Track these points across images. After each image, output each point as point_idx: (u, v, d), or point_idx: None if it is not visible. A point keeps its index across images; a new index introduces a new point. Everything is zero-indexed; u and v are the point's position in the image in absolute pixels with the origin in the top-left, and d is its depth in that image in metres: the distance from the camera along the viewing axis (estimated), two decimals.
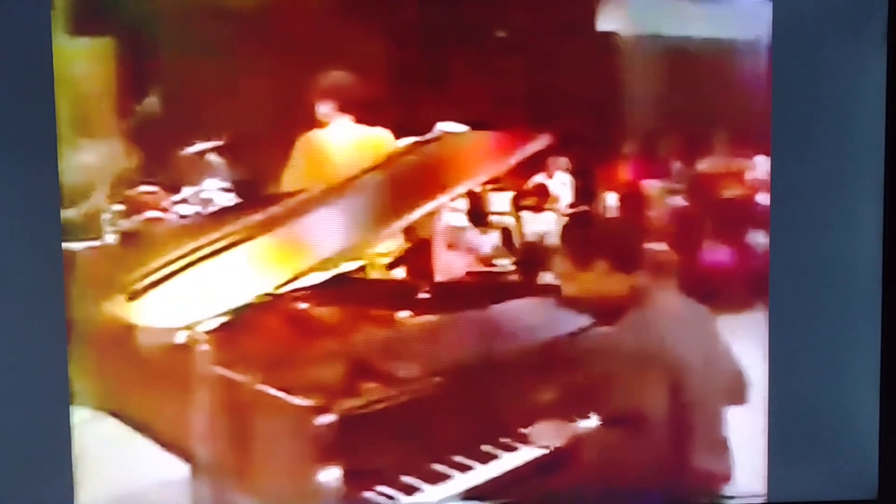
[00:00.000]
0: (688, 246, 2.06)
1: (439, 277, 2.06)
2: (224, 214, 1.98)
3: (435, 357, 2.00)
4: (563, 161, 2.06)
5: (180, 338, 1.95)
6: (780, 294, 2.06)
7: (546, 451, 2.03)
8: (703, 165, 2.06)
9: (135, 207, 1.96)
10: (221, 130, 1.97)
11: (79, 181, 1.94)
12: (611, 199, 2.05)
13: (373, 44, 1.99)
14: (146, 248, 1.97)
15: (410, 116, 2.01)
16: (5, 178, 1.92)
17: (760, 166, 2.05)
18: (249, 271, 1.98)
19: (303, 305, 2.01)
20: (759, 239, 2.06)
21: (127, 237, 1.96)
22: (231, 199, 1.99)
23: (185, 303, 1.96)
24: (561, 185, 2.07)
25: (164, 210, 1.97)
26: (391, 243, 2.06)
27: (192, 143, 1.96)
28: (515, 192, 2.09)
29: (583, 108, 2.03)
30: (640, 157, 2.05)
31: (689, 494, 2.08)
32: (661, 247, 2.06)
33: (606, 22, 2.03)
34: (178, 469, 1.98)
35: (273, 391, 1.92)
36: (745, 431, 2.07)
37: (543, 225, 2.07)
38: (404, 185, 2.05)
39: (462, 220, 2.08)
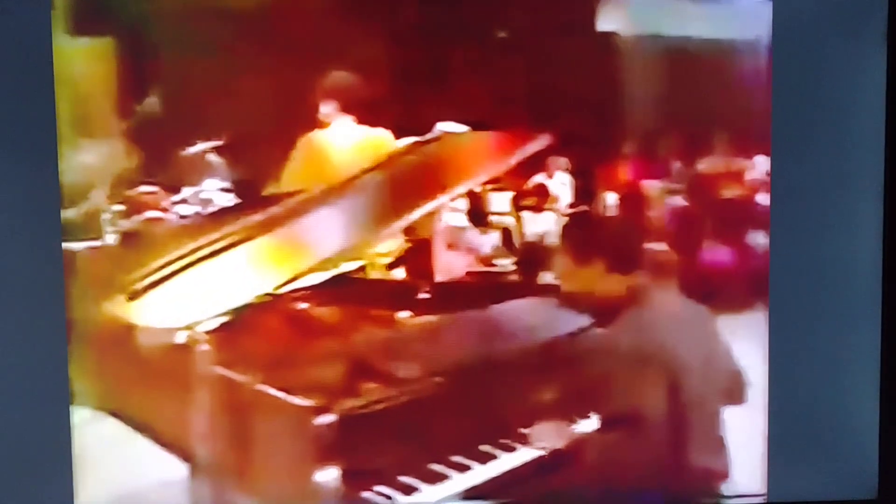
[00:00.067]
0: (688, 246, 2.06)
1: (439, 277, 2.06)
2: (224, 214, 1.98)
3: (435, 357, 2.00)
4: (563, 161, 2.06)
5: (180, 338, 1.95)
6: (780, 294, 2.06)
7: (545, 452, 2.03)
8: (703, 165, 2.06)
9: (135, 207, 1.96)
10: (221, 130, 1.97)
11: (79, 181, 1.94)
12: (611, 199, 2.05)
13: (373, 44, 1.99)
14: (146, 248, 1.97)
15: (410, 116, 2.01)
16: (5, 178, 1.92)
17: (760, 166, 2.05)
18: (249, 271, 1.99)
19: (303, 305, 2.01)
20: (759, 239, 2.06)
21: (127, 237, 1.96)
22: (231, 200, 1.99)
23: (185, 303, 1.96)
24: (561, 185, 2.07)
25: (164, 210, 1.97)
26: (391, 243, 2.06)
27: (192, 143, 1.96)
28: (515, 192, 2.09)
29: (583, 108, 2.03)
30: (640, 157, 2.05)
31: (689, 494, 2.08)
32: (661, 247, 2.06)
33: (606, 22, 2.03)
34: (178, 469, 1.98)
35: (273, 391, 1.92)
36: (745, 431, 2.07)
37: (543, 225, 2.07)
38: (404, 185, 2.05)
39: (462, 220, 2.08)
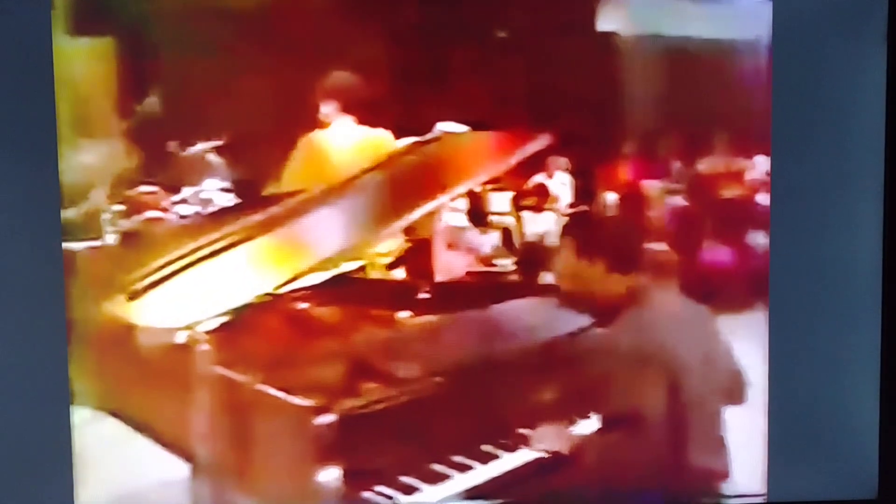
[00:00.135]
0: (688, 246, 2.06)
1: (439, 277, 2.06)
2: (224, 214, 1.98)
3: (435, 357, 2.00)
4: (563, 161, 2.06)
5: (180, 338, 1.95)
6: (780, 294, 2.06)
7: (546, 454, 2.03)
8: (703, 165, 2.06)
9: (135, 207, 1.96)
10: (221, 130, 1.97)
11: (79, 181, 1.94)
12: (611, 199, 2.05)
13: (373, 44, 1.99)
14: (146, 248, 1.97)
15: (410, 116, 2.01)
16: (5, 178, 1.92)
17: (760, 166, 2.05)
18: (249, 271, 1.98)
19: (303, 305, 2.01)
20: (759, 239, 2.06)
21: (127, 237, 1.96)
22: (231, 200, 1.99)
23: (185, 303, 1.96)
24: (561, 185, 2.07)
25: (164, 210, 1.97)
26: (391, 243, 2.06)
27: (192, 143, 1.96)
28: (515, 192, 2.09)
29: (583, 108, 2.03)
30: (640, 157, 2.05)
31: (689, 494, 2.08)
32: (661, 247, 2.06)
33: (606, 22, 2.03)
34: (178, 469, 1.98)
35: (273, 391, 1.92)
36: (745, 431, 2.07)
37: (543, 225, 2.07)
38: (404, 185, 2.05)
39: (462, 220, 2.08)
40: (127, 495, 1.98)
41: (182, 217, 1.98)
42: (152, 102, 1.95)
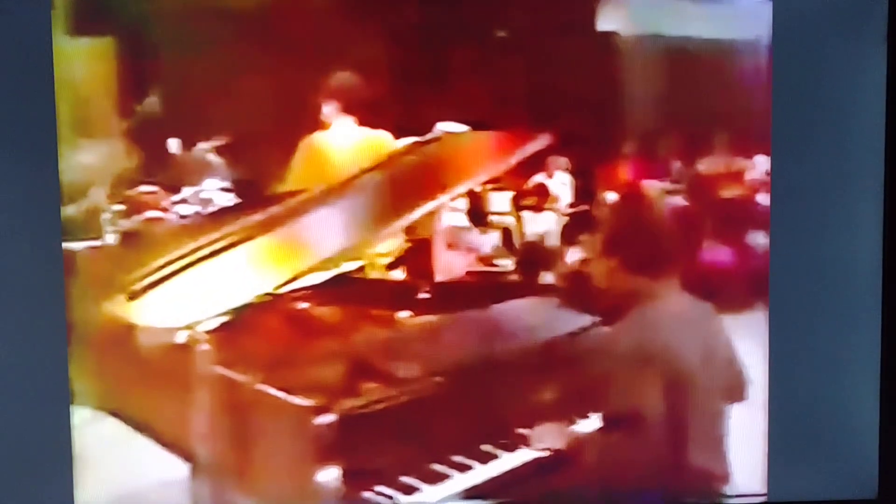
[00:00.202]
0: (688, 246, 2.06)
1: (439, 277, 2.06)
2: (224, 214, 1.98)
3: (435, 357, 2.00)
4: (563, 161, 2.06)
5: (180, 338, 1.95)
6: (780, 294, 2.06)
7: (547, 453, 2.03)
8: (703, 165, 2.06)
9: (135, 207, 1.96)
10: (221, 130, 1.97)
11: (79, 181, 1.94)
12: (611, 199, 2.05)
13: (373, 44, 1.99)
14: (146, 247, 1.97)
15: (410, 116, 2.01)
16: (5, 178, 1.92)
17: (760, 166, 2.05)
18: (249, 271, 1.98)
19: (303, 305, 2.01)
20: (759, 239, 2.06)
21: (127, 237, 1.96)
22: (231, 199, 1.99)
23: (185, 303, 1.96)
24: (561, 184, 2.07)
25: (164, 210, 1.97)
26: (391, 243, 2.06)
27: (192, 143, 1.96)
28: (515, 192, 2.09)
29: (583, 108, 2.03)
30: (640, 157, 2.04)
31: (689, 494, 2.08)
32: (660, 247, 2.06)
33: (606, 22, 2.03)
34: (178, 469, 1.98)
35: (273, 391, 1.92)
36: (745, 431, 2.07)
37: (543, 225, 2.07)
38: (404, 185, 2.05)
39: (462, 219, 2.08)
40: (127, 495, 1.98)
41: (182, 217, 1.98)
42: (152, 102, 1.95)
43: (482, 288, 2.08)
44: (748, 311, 2.07)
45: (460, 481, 1.96)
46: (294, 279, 1.99)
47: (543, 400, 2.04)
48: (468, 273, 2.08)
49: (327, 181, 2.02)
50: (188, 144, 1.96)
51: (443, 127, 2.02)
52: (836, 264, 2.06)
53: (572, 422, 2.05)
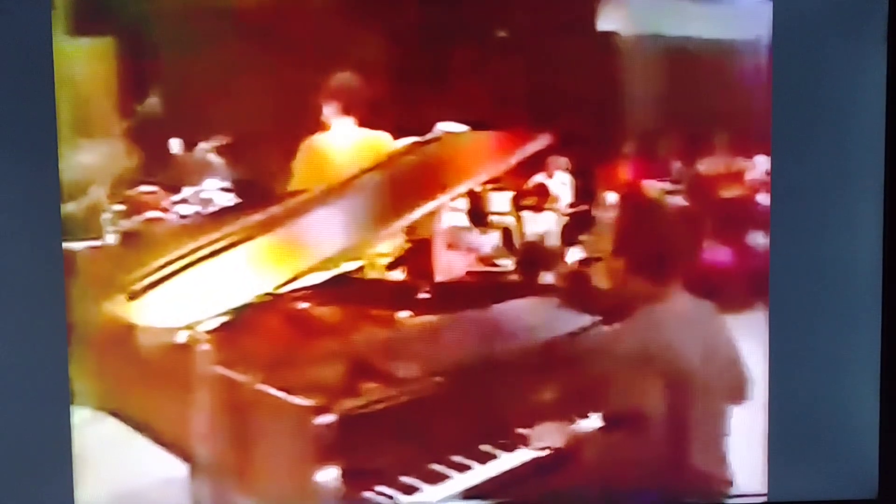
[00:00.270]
0: (687, 246, 2.06)
1: (439, 277, 2.06)
2: (224, 214, 1.98)
3: (435, 357, 2.00)
4: (563, 161, 2.06)
5: (181, 338, 1.95)
6: (781, 294, 2.06)
7: (546, 452, 2.03)
8: (703, 165, 2.06)
9: (135, 207, 1.96)
10: (221, 130, 1.97)
11: (79, 181, 1.94)
12: (611, 199, 2.05)
13: (373, 44, 1.99)
14: (146, 247, 1.97)
15: (410, 116, 2.01)
16: (6, 178, 1.92)
17: (760, 166, 2.05)
18: (250, 271, 1.98)
19: (303, 305, 2.01)
20: (759, 239, 2.06)
21: (127, 237, 1.96)
22: (231, 199, 1.99)
23: (185, 303, 1.96)
24: (561, 184, 2.07)
25: (165, 210, 1.97)
26: (391, 243, 2.06)
27: (192, 143, 1.96)
28: (515, 192, 2.09)
29: (583, 108, 2.03)
30: (640, 157, 2.04)
31: (690, 494, 2.08)
32: (660, 247, 2.06)
33: (606, 22, 2.03)
34: (178, 469, 1.98)
35: (273, 391, 1.92)
36: (746, 431, 2.07)
37: (544, 225, 2.07)
38: (405, 185, 2.05)
39: (462, 219, 2.08)
40: (127, 495, 1.98)
41: (182, 217, 1.98)
42: (152, 102, 1.95)
43: (482, 288, 2.08)
44: (748, 311, 2.07)
45: (460, 481, 1.96)
46: (294, 279, 1.99)
47: (543, 400, 2.04)
48: (468, 273, 2.08)
49: (327, 181, 2.02)
50: (188, 144, 1.96)
51: (443, 127, 2.02)
52: (836, 264, 2.06)
53: (572, 422, 2.05)
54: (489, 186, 2.09)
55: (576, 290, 2.06)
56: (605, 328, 2.05)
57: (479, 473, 1.97)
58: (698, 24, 2.04)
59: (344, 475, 1.93)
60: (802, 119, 2.03)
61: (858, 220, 2.06)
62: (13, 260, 1.93)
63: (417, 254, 2.06)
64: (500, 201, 2.09)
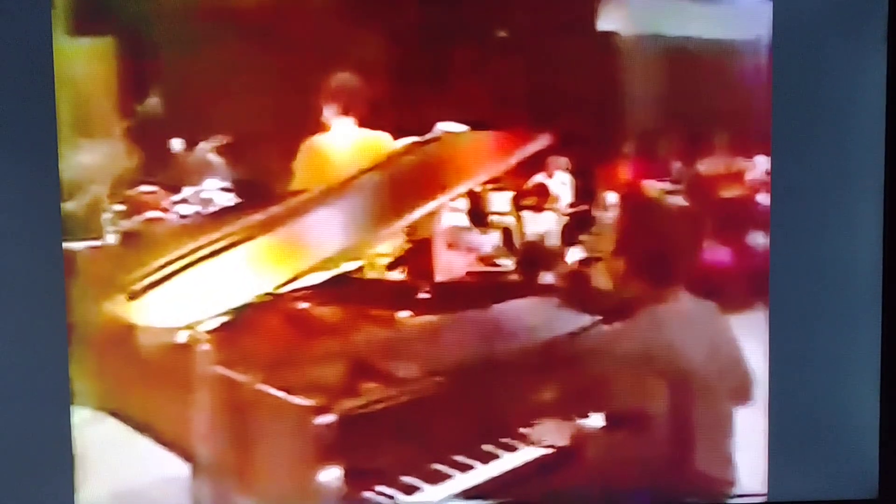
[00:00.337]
0: (687, 246, 2.06)
1: (440, 277, 2.06)
2: (224, 214, 1.98)
3: (435, 357, 2.00)
4: (563, 161, 2.06)
5: (181, 337, 1.95)
6: (781, 294, 2.06)
7: (548, 451, 2.03)
8: (703, 165, 2.06)
9: (135, 207, 1.96)
10: (221, 130, 1.97)
11: (79, 181, 1.94)
12: (611, 199, 2.05)
13: (373, 44, 1.99)
14: (146, 247, 1.97)
15: (410, 116, 2.01)
16: (6, 178, 1.92)
17: (760, 166, 2.05)
18: (250, 271, 1.98)
19: (303, 305, 2.01)
20: (759, 239, 2.06)
21: (127, 237, 1.96)
22: (231, 199, 1.99)
23: (185, 302, 1.96)
24: (561, 184, 2.07)
25: (165, 210, 1.97)
26: (391, 243, 2.06)
27: (192, 143, 1.96)
28: (515, 192, 2.09)
29: (583, 108, 2.03)
30: (640, 157, 2.05)
31: (690, 494, 2.08)
32: (660, 247, 2.06)
33: (606, 22, 2.03)
34: (178, 469, 1.98)
35: (273, 391, 1.92)
36: (746, 431, 2.07)
37: (544, 225, 2.07)
38: (405, 185, 2.05)
39: (462, 219, 2.08)
40: (127, 495, 1.98)
41: (182, 217, 1.98)
42: (152, 102, 1.95)
43: (482, 288, 2.08)
44: (748, 312, 2.07)
45: (461, 481, 1.96)
46: (294, 279, 1.99)
47: (543, 400, 2.04)
48: (468, 273, 2.08)
49: (327, 181, 2.02)
50: (188, 144, 1.96)
51: (443, 127, 2.02)
52: (836, 264, 2.07)
53: (572, 422, 2.05)
54: (489, 186, 2.09)
55: (576, 290, 2.06)
56: (606, 328, 2.05)
57: (481, 473, 1.97)
58: (698, 24, 2.04)
59: (344, 475, 1.93)
60: (802, 119, 2.03)
61: (858, 220, 2.06)
62: (13, 260, 1.93)
63: (417, 254, 2.06)
64: (500, 201, 2.09)
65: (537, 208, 2.08)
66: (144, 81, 1.95)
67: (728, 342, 2.05)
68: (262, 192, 2.00)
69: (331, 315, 2.02)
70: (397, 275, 2.06)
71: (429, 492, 1.95)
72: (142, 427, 1.97)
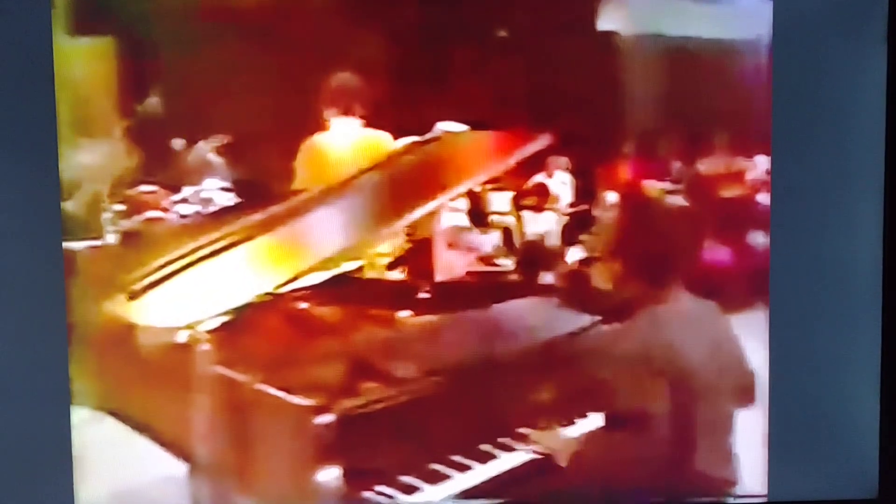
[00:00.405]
0: (687, 246, 2.06)
1: (440, 277, 2.06)
2: (224, 214, 1.99)
3: (435, 357, 2.00)
4: (563, 161, 2.06)
5: (181, 337, 1.95)
6: (781, 294, 2.06)
7: (548, 456, 2.03)
8: (704, 165, 2.06)
9: (135, 207, 1.96)
10: (221, 130, 1.97)
11: (79, 181, 1.94)
12: (611, 199, 2.05)
13: (373, 44, 1.99)
14: (146, 247, 1.97)
15: (410, 116, 2.01)
16: (6, 178, 1.92)
17: (760, 166, 2.05)
18: (250, 271, 1.98)
19: (303, 305, 2.01)
20: (759, 239, 2.06)
21: (127, 237, 1.96)
22: (231, 199, 1.99)
23: (185, 302, 1.96)
24: (561, 184, 2.07)
25: (165, 210, 1.97)
26: (391, 243, 2.06)
27: (192, 143, 1.96)
28: (515, 192, 2.09)
29: (583, 108, 2.03)
30: (640, 157, 2.05)
31: (690, 494, 2.08)
32: (660, 247, 2.06)
33: (606, 22, 2.03)
34: (178, 469, 1.98)
35: (273, 391, 1.92)
36: (746, 431, 2.07)
37: (544, 224, 2.07)
38: (405, 185, 2.06)
39: (462, 219, 2.08)
40: (127, 495, 1.98)
41: (182, 216, 1.98)
42: (152, 102, 1.95)
43: (482, 288, 2.08)
44: (748, 311, 2.07)
45: (460, 481, 1.96)
46: (294, 279, 1.99)
47: (543, 400, 2.04)
48: (468, 273, 2.08)
49: (327, 181, 2.02)
50: (188, 144, 1.96)
51: (443, 127, 2.02)
52: (836, 264, 2.06)
53: (572, 422, 2.05)
54: (489, 186, 2.09)
55: (576, 290, 2.06)
56: (605, 328, 2.05)
57: (480, 473, 1.97)
58: (698, 24, 2.04)
59: (344, 475, 1.93)
60: (802, 119, 2.03)
61: (858, 220, 2.06)
62: (13, 260, 1.93)
63: (417, 254, 2.06)
64: (500, 201, 2.09)
65: (537, 208, 2.08)
66: (144, 81, 1.95)
67: (728, 342, 2.05)
68: (262, 191, 2.01)
69: (331, 315, 2.02)
70: (397, 274, 2.06)
71: (428, 492, 1.95)
72: (141, 427, 1.97)
